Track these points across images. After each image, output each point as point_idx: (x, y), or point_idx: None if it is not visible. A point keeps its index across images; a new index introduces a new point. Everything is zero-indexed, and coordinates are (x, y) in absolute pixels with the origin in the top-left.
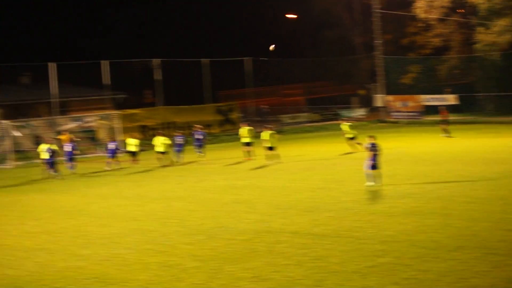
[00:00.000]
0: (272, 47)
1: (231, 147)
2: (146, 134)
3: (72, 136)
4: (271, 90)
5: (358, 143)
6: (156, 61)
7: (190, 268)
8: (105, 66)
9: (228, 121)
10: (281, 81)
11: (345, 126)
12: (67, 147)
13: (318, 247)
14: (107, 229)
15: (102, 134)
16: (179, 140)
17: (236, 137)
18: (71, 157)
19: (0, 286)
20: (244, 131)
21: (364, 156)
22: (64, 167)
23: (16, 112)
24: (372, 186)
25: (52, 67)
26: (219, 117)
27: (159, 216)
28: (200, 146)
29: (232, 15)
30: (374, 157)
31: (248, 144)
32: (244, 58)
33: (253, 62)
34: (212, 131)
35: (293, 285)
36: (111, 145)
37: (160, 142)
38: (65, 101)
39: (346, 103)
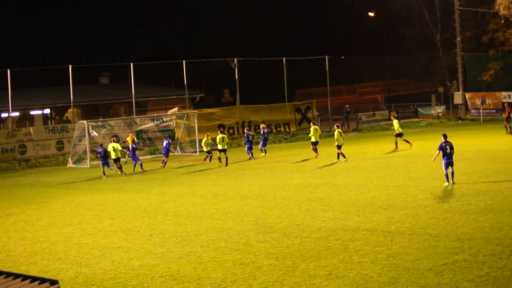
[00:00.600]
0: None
1: (308, 145)
2: (224, 133)
3: (134, 137)
4: (349, 88)
5: (405, 140)
6: (234, 60)
7: (264, 265)
8: (183, 65)
9: (305, 119)
10: (359, 79)
11: (396, 123)
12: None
13: (393, 244)
14: (182, 228)
15: (179, 133)
16: (250, 135)
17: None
18: (134, 156)
19: (75, 284)
20: (312, 130)
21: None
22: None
23: (94, 112)
24: (447, 185)
25: (131, 68)
26: (296, 116)
27: (235, 214)
28: (263, 145)
29: (311, 13)
30: (447, 156)
31: (314, 143)
32: (323, 56)
33: (331, 61)
34: (290, 129)
35: (368, 283)
36: (165, 143)
37: (219, 139)
38: (143, 100)
39: (425, 101)
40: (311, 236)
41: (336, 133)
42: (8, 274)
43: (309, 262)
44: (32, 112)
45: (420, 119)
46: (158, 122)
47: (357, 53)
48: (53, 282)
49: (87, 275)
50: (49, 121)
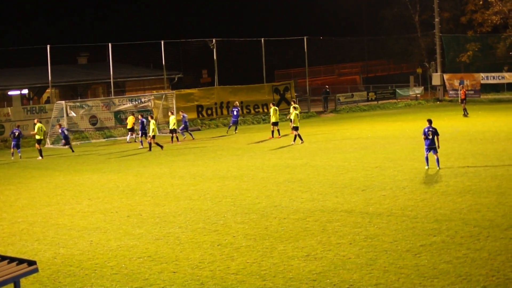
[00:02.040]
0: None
1: (286, 126)
2: (203, 114)
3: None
4: (328, 69)
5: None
6: (213, 41)
7: (242, 247)
8: (161, 46)
9: (284, 100)
10: (337, 60)
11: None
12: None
13: (371, 226)
14: (160, 208)
15: (158, 114)
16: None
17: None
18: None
19: (53, 264)
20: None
21: (416, 136)
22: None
23: (72, 92)
24: (427, 169)
25: (109, 48)
26: (275, 96)
27: (213, 195)
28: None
29: None
30: (429, 141)
31: (274, 124)
32: (301, 37)
33: (309, 41)
34: (269, 110)
35: (346, 264)
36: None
37: (172, 121)
38: (122, 81)
39: (403, 82)
40: (289, 217)
41: (293, 114)
42: None
43: (287, 244)
44: (10, 93)
45: (399, 100)
46: (137, 102)
47: (336, 34)
48: (31, 262)
49: (65, 256)
50: (28, 101)
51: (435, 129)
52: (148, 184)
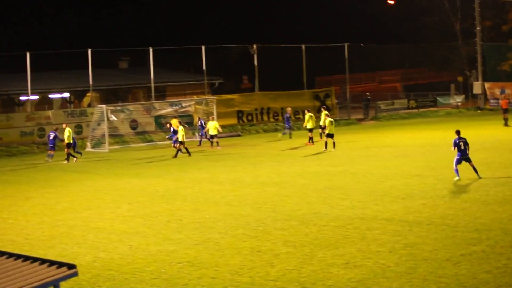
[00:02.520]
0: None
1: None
2: (243, 120)
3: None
4: (368, 76)
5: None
6: (254, 46)
7: (282, 253)
8: (202, 51)
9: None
10: (378, 67)
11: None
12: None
13: (411, 234)
14: (200, 214)
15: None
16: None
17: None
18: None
19: (93, 268)
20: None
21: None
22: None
23: (113, 96)
24: (458, 180)
25: (150, 52)
26: (315, 103)
27: (253, 201)
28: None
29: (330, 0)
30: (462, 152)
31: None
32: (342, 44)
33: (350, 48)
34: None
35: (385, 272)
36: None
37: (212, 126)
38: (163, 85)
39: (444, 90)
40: (329, 225)
41: (327, 121)
42: (26, 258)
43: (326, 251)
44: (51, 96)
45: (439, 109)
46: (177, 107)
47: (377, 41)
48: (71, 266)
49: (105, 260)
50: (68, 105)
51: (465, 139)
52: (188, 189)
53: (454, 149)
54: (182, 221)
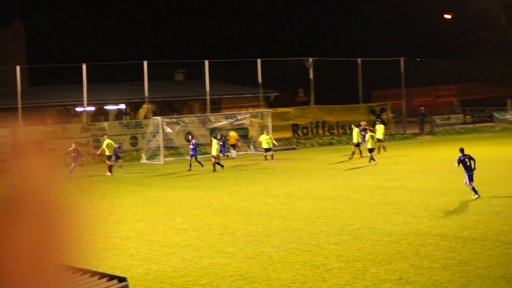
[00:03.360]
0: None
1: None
2: (298, 133)
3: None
4: (424, 91)
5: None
6: (309, 60)
7: (335, 268)
8: (258, 64)
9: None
10: (434, 82)
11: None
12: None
13: (465, 250)
14: (253, 227)
15: (253, 132)
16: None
17: (388, 138)
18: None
19: (145, 281)
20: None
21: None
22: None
23: (168, 108)
24: (476, 198)
25: (206, 65)
26: (371, 117)
27: (306, 215)
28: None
29: (387, 15)
30: (468, 169)
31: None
32: (398, 58)
33: (407, 62)
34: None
35: None
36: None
37: (265, 140)
38: (218, 98)
39: (501, 105)
40: (382, 240)
41: (367, 136)
42: (76, 270)
43: (379, 266)
44: (106, 107)
45: (496, 124)
46: (232, 120)
47: (433, 56)
48: (122, 279)
49: (157, 272)
50: (124, 116)
51: (470, 155)
52: (242, 202)
53: (458, 165)
54: (235, 234)
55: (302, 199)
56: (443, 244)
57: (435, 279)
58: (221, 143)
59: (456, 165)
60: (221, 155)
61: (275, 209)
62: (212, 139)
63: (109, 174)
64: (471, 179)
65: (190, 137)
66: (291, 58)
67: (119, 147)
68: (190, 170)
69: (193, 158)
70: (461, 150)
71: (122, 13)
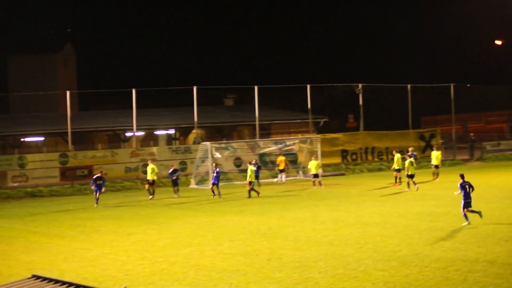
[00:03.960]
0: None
1: (430, 173)
2: (347, 159)
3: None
4: (474, 116)
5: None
6: (359, 86)
7: None
8: (308, 90)
9: (429, 146)
10: (484, 108)
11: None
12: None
13: None
14: (301, 253)
15: (303, 158)
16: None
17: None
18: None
19: None
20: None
21: None
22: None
23: (218, 134)
24: (467, 225)
25: (255, 90)
26: (420, 143)
27: (354, 241)
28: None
29: (437, 40)
30: (467, 195)
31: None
32: (448, 84)
33: (456, 88)
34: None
35: None
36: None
37: (314, 165)
38: (267, 123)
39: None
40: (430, 266)
41: (407, 163)
42: None
43: None
44: (156, 132)
45: None
46: (281, 145)
47: (484, 81)
48: None
49: None
50: (173, 142)
51: (470, 182)
52: (289, 228)
53: (460, 192)
54: (283, 260)
55: (350, 225)
56: (491, 271)
57: None
58: (254, 168)
59: (458, 192)
60: (255, 181)
61: (323, 235)
62: (248, 165)
63: (151, 197)
64: (467, 205)
65: (214, 165)
66: (341, 84)
67: (174, 172)
68: (214, 196)
69: (214, 186)
70: (462, 176)
71: (172, 38)
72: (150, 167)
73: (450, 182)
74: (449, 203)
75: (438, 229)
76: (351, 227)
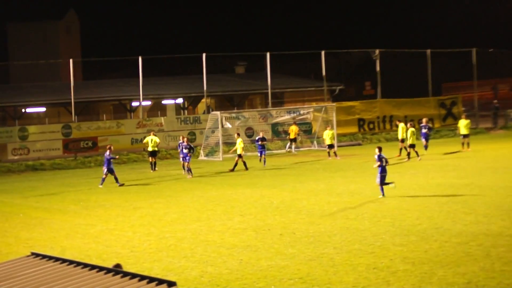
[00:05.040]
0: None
1: (452, 142)
2: (364, 128)
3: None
4: (498, 83)
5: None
6: (376, 51)
7: (400, 271)
8: (322, 56)
9: (450, 115)
10: (509, 74)
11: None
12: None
13: None
14: (315, 227)
15: (317, 127)
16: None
17: (457, 132)
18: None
19: (200, 284)
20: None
21: None
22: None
23: (228, 103)
24: (382, 197)
25: (268, 57)
26: (441, 111)
27: (371, 214)
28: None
29: (458, 4)
30: (383, 168)
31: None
32: (470, 49)
33: (479, 53)
34: (434, 125)
35: None
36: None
37: (328, 135)
38: (280, 92)
39: None
40: (451, 241)
41: (409, 132)
42: (125, 274)
43: (447, 269)
44: (164, 102)
45: None
46: (295, 114)
47: (507, 46)
48: (171, 283)
49: (213, 275)
50: (182, 111)
51: (385, 157)
52: (303, 201)
53: (378, 165)
54: (296, 235)
55: (367, 197)
56: None
57: (506, 283)
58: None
59: (376, 165)
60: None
61: (338, 208)
62: (236, 137)
63: (152, 171)
64: (383, 179)
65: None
66: (357, 50)
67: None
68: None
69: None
70: (379, 148)
71: (180, 3)
72: (149, 138)
73: (472, 152)
74: (470, 174)
75: (460, 201)
76: (368, 200)
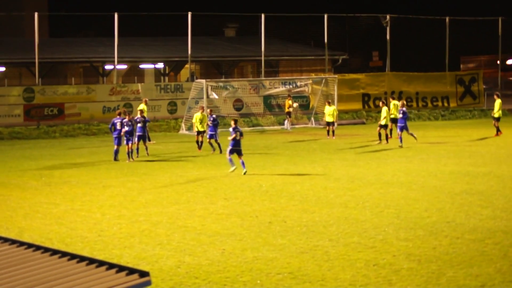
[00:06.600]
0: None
1: (470, 125)
2: (369, 105)
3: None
4: None
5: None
6: (386, 17)
7: (403, 269)
8: (324, 20)
9: (469, 93)
10: None
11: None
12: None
13: None
14: (309, 216)
15: (315, 102)
16: None
17: (477, 114)
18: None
19: (176, 275)
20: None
21: None
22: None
23: (216, 70)
24: (233, 170)
25: (262, 19)
26: (458, 88)
27: (373, 203)
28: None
29: None
30: (235, 142)
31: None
32: (495, 17)
33: (505, 23)
34: (449, 105)
35: None
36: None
37: (330, 112)
38: (275, 59)
39: None
40: (464, 237)
41: (384, 110)
42: (91, 261)
43: (458, 269)
44: (141, 66)
45: None
46: (291, 86)
47: None
48: (144, 273)
49: (191, 266)
50: (162, 78)
51: (241, 131)
52: (297, 185)
53: (233, 137)
54: (287, 224)
55: (370, 184)
56: None
57: None
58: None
59: (232, 135)
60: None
61: (336, 195)
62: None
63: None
64: (232, 152)
65: (209, 111)
66: (365, 14)
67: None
68: (214, 152)
69: (212, 139)
70: (235, 121)
71: None
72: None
73: (491, 137)
74: (489, 162)
75: (476, 192)
76: (370, 187)
